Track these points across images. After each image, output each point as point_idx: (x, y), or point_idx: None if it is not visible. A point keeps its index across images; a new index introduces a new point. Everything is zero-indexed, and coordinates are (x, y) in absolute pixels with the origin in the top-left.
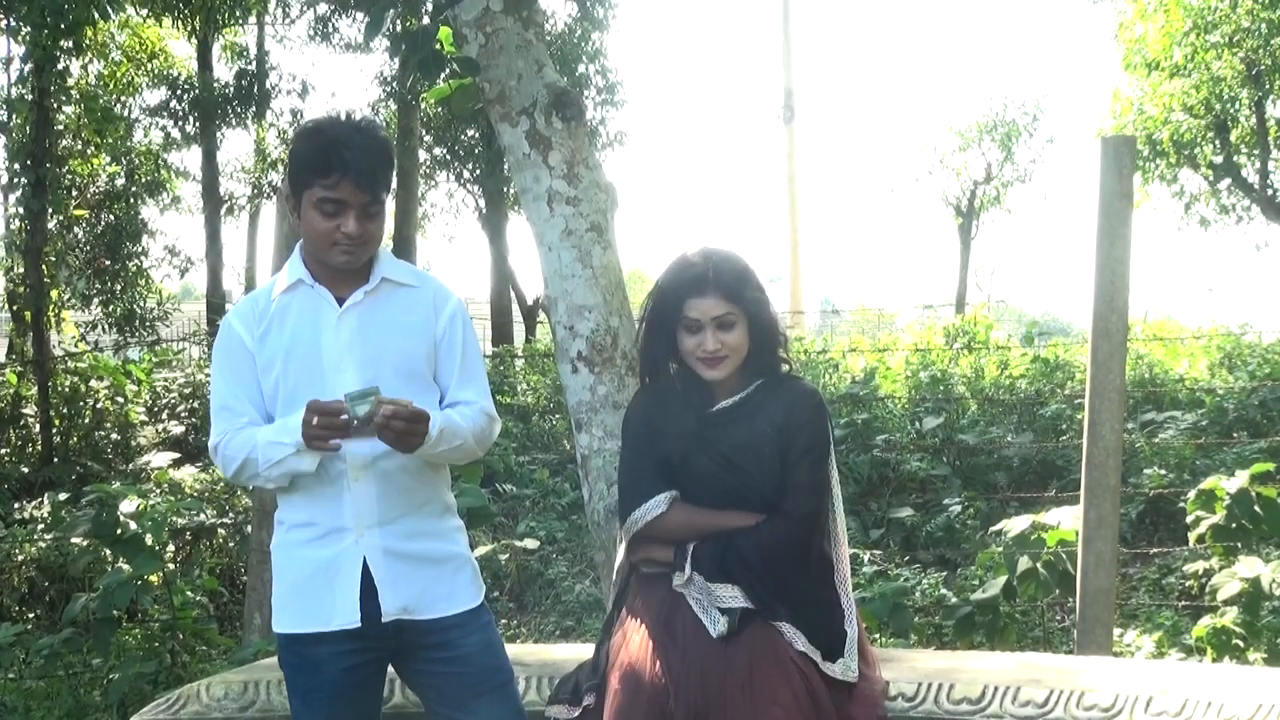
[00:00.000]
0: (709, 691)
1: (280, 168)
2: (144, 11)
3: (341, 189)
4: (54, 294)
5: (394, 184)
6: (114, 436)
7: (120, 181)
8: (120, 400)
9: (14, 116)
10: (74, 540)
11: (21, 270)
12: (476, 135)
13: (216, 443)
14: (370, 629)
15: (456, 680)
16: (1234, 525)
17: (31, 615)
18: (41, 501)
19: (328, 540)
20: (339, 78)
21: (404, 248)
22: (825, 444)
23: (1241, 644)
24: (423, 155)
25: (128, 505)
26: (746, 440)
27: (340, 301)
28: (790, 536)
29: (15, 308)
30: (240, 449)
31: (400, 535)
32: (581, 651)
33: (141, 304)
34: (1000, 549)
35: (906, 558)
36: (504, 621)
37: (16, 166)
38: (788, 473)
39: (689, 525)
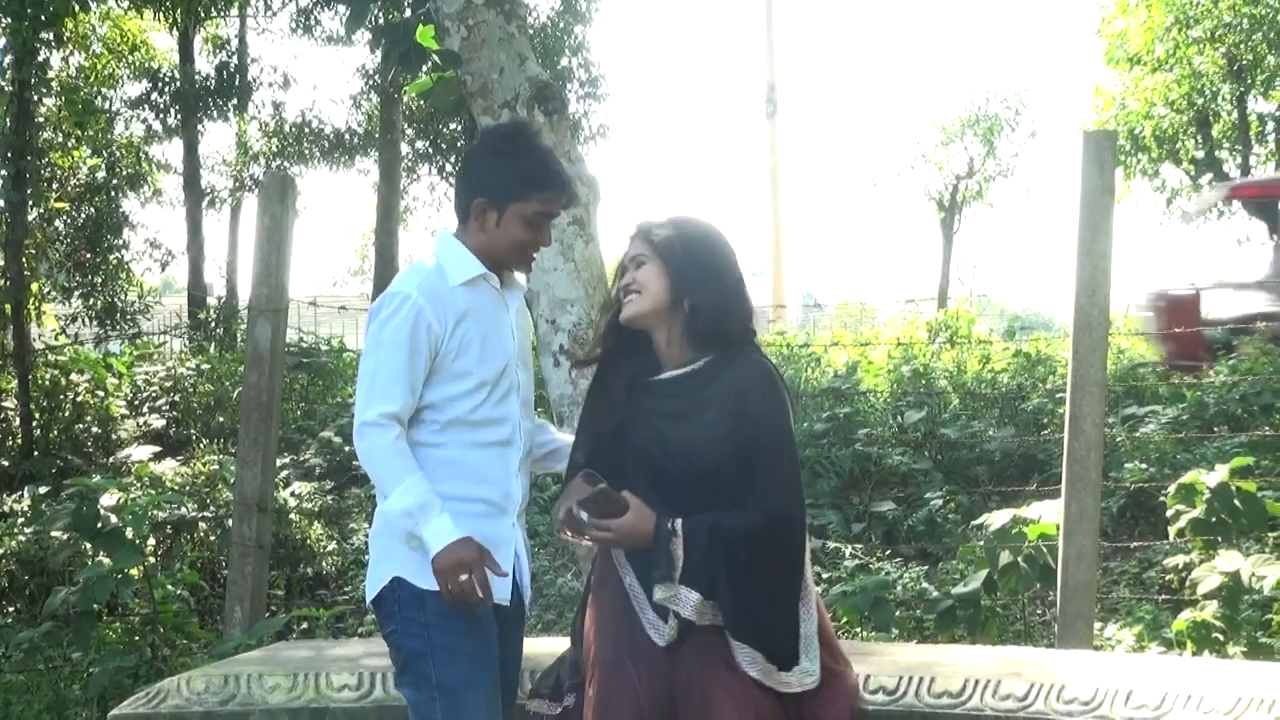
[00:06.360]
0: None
1: (263, 161)
2: (125, 3)
3: (557, 204)
4: (34, 287)
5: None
6: (94, 430)
7: (101, 174)
8: (101, 394)
9: None
10: (54, 534)
11: (1, 263)
12: (459, 128)
13: (385, 417)
14: (505, 609)
15: (514, 667)
16: (1214, 519)
17: (11, 609)
18: (21, 495)
19: (491, 517)
20: (321, 70)
21: (387, 241)
22: (790, 430)
23: (1221, 638)
24: (405, 149)
25: (108, 499)
26: (696, 434)
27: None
28: (787, 539)
29: None
30: (399, 470)
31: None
32: (563, 644)
33: (122, 297)
34: (981, 543)
35: (888, 551)
36: None
37: None
38: (757, 475)
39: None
